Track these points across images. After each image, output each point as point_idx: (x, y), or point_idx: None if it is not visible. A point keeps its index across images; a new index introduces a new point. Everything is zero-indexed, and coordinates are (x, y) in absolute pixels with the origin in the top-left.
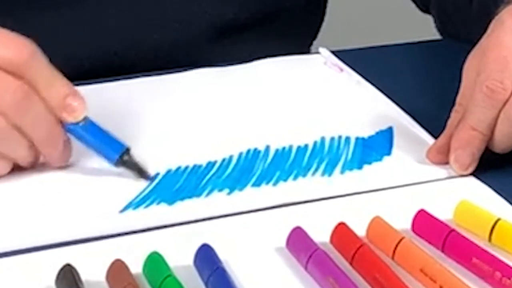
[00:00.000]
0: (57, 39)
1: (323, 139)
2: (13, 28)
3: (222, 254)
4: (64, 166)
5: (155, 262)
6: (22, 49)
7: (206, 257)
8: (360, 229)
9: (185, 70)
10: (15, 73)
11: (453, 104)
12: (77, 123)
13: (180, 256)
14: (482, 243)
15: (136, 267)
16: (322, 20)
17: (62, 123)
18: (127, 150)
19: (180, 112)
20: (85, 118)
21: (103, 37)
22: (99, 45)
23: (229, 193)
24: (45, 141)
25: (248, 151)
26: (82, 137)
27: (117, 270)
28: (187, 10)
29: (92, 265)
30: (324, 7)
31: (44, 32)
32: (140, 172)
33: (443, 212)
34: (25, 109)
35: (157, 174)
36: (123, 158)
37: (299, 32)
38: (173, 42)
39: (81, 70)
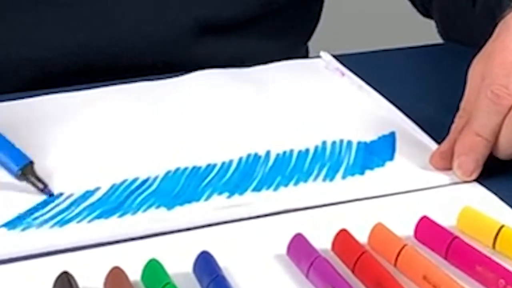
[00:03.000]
0: (40, 40)
1: (324, 143)
2: None
3: (222, 261)
4: None
5: (153, 269)
6: None
7: (205, 265)
8: (362, 236)
9: (185, 73)
10: None
11: (457, 109)
12: None
13: (179, 263)
14: (486, 250)
15: (134, 274)
16: (317, 20)
17: None
18: (30, 164)
19: (180, 114)
20: None
21: (88, 36)
22: (82, 44)
23: (228, 197)
24: None
25: (249, 155)
26: None
27: (115, 277)
28: (170, 7)
29: (90, 272)
30: (320, 8)
31: (27, 32)
32: (40, 186)
33: (446, 219)
34: None
35: (60, 194)
36: (24, 171)
37: (290, 31)
38: (157, 40)
39: (65, 71)
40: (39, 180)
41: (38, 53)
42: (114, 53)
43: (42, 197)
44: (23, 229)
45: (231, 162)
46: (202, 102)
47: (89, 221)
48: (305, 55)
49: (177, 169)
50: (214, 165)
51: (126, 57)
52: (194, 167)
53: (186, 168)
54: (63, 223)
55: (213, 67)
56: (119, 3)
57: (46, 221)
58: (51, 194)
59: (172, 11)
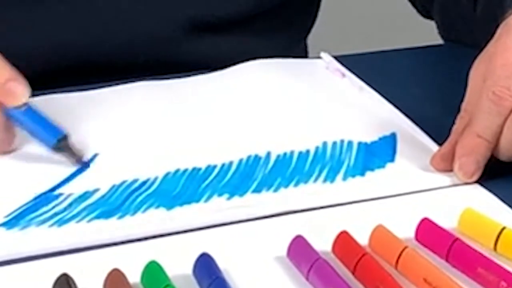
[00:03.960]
0: (30, 39)
1: (324, 144)
2: None
3: (222, 263)
4: (8, 151)
5: (153, 271)
6: None
7: (205, 266)
8: (362, 238)
9: (187, 75)
10: None
11: (458, 110)
12: (17, 108)
13: (179, 265)
14: (487, 252)
15: (134, 276)
16: (314, 17)
17: (2, 108)
18: (65, 136)
19: (180, 115)
20: (26, 104)
21: (78, 34)
22: (73, 42)
23: (228, 198)
24: None
25: (249, 157)
26: (22, 122)
27: (115, 279)
28: (163, 5)
29: (89, 274)
30: (318, 5)
31: (18, 31)
32: (76, 157)
33: (447, 221)
34: None
35: (94, 156)
36: (60, 143)
37: (286, 29)
38: (150, 38)
39: (55, 70)
40: (75, 151)
41: (27, 53)
42: (105, 52)
43: (73, 169)
44: (22, 228)
45: (231, 163)
46: (202, 103)
47: (88, 221)
48: (303, 53)
49: (177, 170)
50: (214, 166)
51: (118, 56)
52: (194, 168)
53: (186, 169)
54: (62, 222)
55: (206, 66)
56: (111, 1)
57: (45, 221)
58: (87, 164)
59: (165, 9)
